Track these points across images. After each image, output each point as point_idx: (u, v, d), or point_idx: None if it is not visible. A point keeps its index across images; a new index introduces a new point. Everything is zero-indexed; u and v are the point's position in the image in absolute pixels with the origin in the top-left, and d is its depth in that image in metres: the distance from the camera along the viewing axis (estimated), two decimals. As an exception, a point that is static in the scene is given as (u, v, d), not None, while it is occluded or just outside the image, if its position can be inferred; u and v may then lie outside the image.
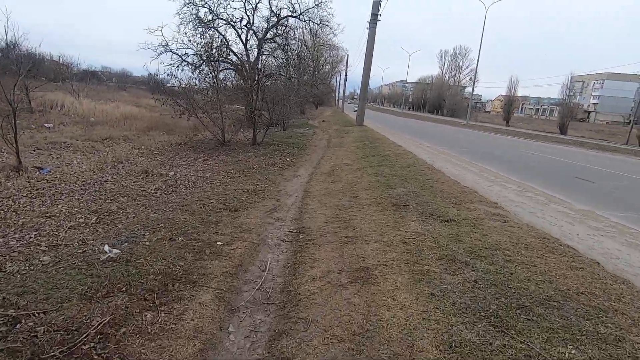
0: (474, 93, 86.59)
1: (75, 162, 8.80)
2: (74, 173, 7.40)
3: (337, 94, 64.95)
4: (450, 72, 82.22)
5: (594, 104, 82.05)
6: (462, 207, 5.06)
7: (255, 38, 24.97)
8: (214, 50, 12.99)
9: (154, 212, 4.79)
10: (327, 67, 57.07)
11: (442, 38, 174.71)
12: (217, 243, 3.81)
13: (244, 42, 24.65)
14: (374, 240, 3.74)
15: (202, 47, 12.83)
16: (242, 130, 12.89)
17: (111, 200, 5.50)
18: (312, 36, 39.03)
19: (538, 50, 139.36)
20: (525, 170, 10.42)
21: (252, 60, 25.66)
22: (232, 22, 23.92)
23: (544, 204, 6.17)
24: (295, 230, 4.55)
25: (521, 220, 4.88)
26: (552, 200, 6.50)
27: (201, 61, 15.26)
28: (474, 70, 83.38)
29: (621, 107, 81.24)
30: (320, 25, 25.43)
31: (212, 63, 13.08)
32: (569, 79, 56.53)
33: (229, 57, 24.69)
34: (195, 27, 22.55)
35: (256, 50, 25.36)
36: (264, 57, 26.66)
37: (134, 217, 4.65)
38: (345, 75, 50.27)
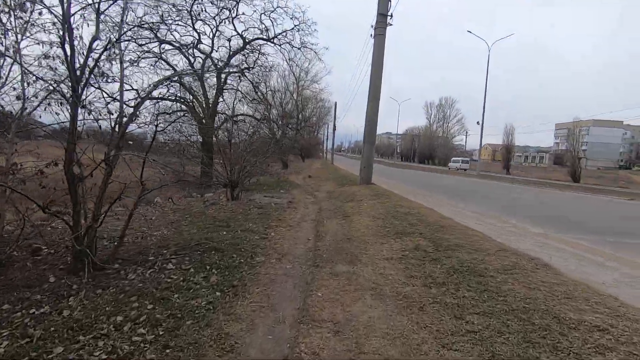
0: (459, 143, 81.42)
1: None
2: None
3: (325, 146, 58.16)
4: (438, 122, 77.38)
5: (583, 150, 77.50)
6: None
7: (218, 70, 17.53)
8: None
9: None
10: (314, 118, 50.74)
11: (426, 89, 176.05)
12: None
13: (200, 74, 17.10)
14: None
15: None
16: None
17: None
18: (296, 78, 32.24)
19: (513, 99, 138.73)
20: None
21: (210, 98, 17.98)
22: (180, 45, 16.50)
23: None
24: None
25: None
26: None
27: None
28: (460, 121, 78.90)
29: (608, 152, 77.28)
30: (302, 49, 18.18)
31: None
32: (572, 127, 50.91)
33: (178, 95, 17.04)
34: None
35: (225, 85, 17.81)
36: (229, 95, 19.11)
37: None
38: (334, 124, 43.44)
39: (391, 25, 11.57)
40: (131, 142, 14.61)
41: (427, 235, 4.79)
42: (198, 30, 15.31)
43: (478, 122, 31.68)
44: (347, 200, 8.68)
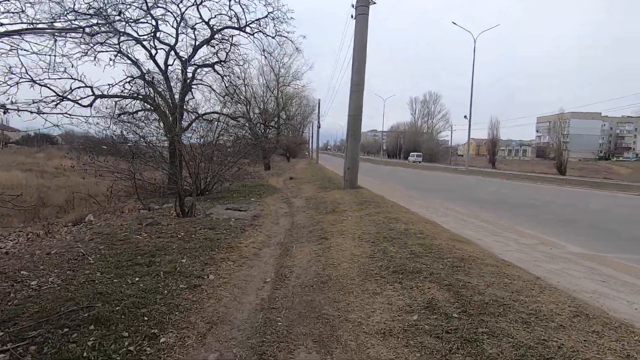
0: (444, 138, 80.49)
1: None
2: None
3: (310, 145, 56.35)
4: (423, 118, 76.47)
5: (564, 142, 77.96)
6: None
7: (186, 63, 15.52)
8: None
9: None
10: (299, 117, 48.97)
11: (411, 85, 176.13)
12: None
13: (163, 67, 15.02)
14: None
15: None
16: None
17: None
18: (275, 74, 30.25)
19: (495, 92, 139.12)
20: None
21: (177, 93, 15.96)
22: (138, 36, 14.42)
23: None
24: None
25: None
26: None
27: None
28: (445, 116, 78.19)
29: (588, 144, 78.00)
30: (277, 38, 16.28)
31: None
32: (557, 121, 50.75)
33: (139, 93, 14.98)
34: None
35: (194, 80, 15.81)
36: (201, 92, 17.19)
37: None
38: (318, 122, 41.66)
39: (374, 3, 9.85)
40: (104, 147, 11.98)
41: (443, 277, 3.05)
42: (155, 17, 13.24)
43: (465, 117, 30.46)
44: (328, 211, 6.91)
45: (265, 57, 16.87)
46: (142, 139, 10.29)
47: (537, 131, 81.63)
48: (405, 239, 4.30)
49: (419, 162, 56.20)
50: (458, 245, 3.96)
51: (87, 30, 13.03)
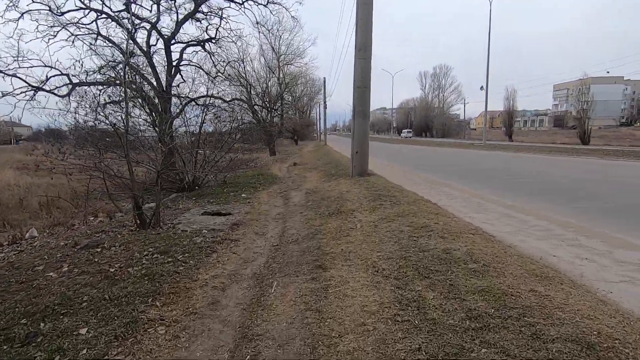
0: (455, 112, 76.45)
1: None
2: None
3: (318, 126, 54.22)
4: (433, 93, 72.76)
5: (585, 109, 73.21)
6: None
7: (168, 42, 13.71)
8: None
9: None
10: (305, 99, 46.73)
11: (418, 61, 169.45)
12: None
13: (146, 47, 13.21)
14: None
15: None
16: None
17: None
18: (276, 52, 27.98)
19: (506, 61, 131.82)
20: None
21: (164, 78, 14.20)
22: (112, 14, 12.60)
23: None
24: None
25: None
26: None
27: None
28: (457, 89, 74.24)
29: (609, 110, 73.08)
30: (269, 6, 14.16)
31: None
32: (580, 87, 46.97)
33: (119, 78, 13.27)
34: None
35: (179, 63, 14.03)
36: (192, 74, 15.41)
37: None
38: (325, 103, 39.36)
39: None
40: (108, 139, 9.99)
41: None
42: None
43: (482, 87, 27.83)
44: (331, 212, 5.20)
45: (260, 31, 14.94)
46: (113, 127, 8.73)
47: (554, 99, 76.97)
48: (449, 274, 2.57)
49: (409, 137, 60.97)
50: (554, 296, 2.19)
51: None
